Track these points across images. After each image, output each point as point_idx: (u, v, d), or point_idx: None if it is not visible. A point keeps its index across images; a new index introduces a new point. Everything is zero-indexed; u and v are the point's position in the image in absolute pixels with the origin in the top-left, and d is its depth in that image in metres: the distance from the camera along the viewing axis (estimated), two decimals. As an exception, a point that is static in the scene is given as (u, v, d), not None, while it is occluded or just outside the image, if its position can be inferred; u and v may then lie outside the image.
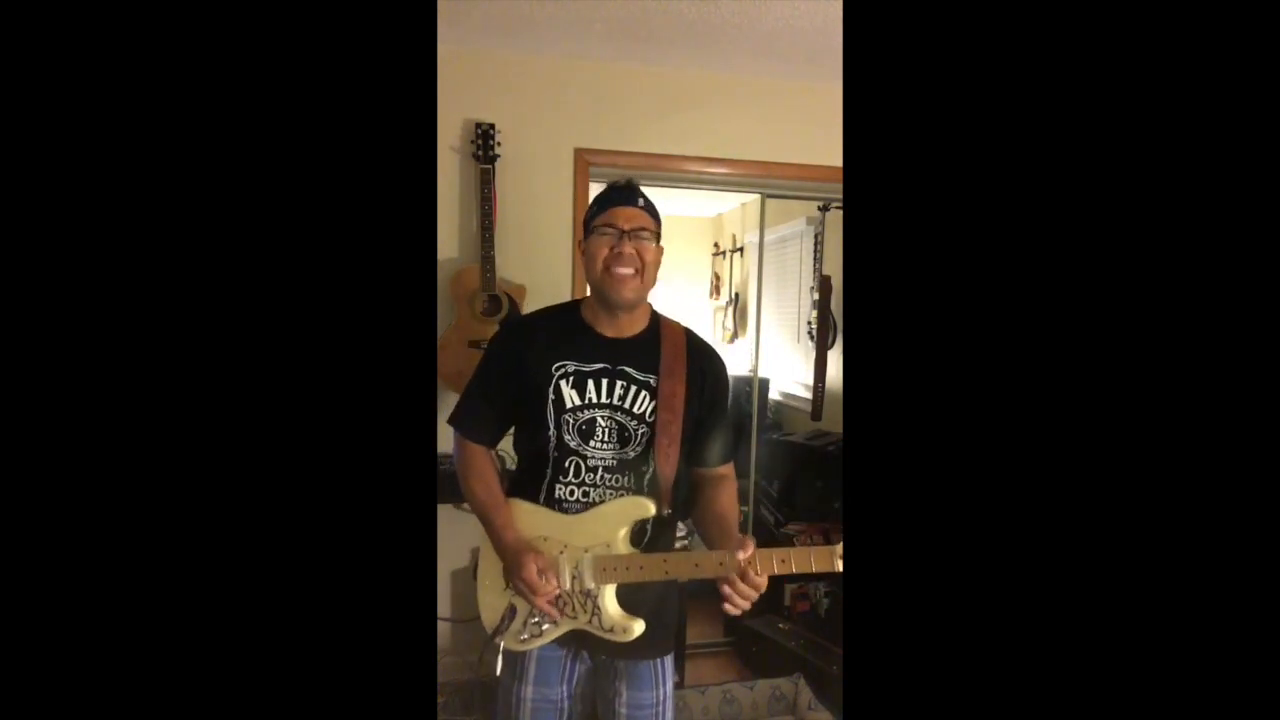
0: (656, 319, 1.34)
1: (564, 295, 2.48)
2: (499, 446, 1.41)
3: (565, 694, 1.35)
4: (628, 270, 1.22)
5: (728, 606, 1.13)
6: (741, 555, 1.09)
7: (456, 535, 2.49)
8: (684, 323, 1.40)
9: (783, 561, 1.09)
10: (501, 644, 1.29)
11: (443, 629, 2.48)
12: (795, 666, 2.45)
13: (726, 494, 1.33)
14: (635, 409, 1.26)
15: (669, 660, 1.37)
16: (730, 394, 1.39)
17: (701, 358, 1.33)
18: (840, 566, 1.05)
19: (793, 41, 2.21)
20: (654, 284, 1.27)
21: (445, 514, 2.44)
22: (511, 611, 1.29)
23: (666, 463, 1.25)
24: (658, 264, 1.27)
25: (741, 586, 1.10)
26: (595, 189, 2.55)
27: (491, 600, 1.33)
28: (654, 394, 1.26)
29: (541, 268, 2.46)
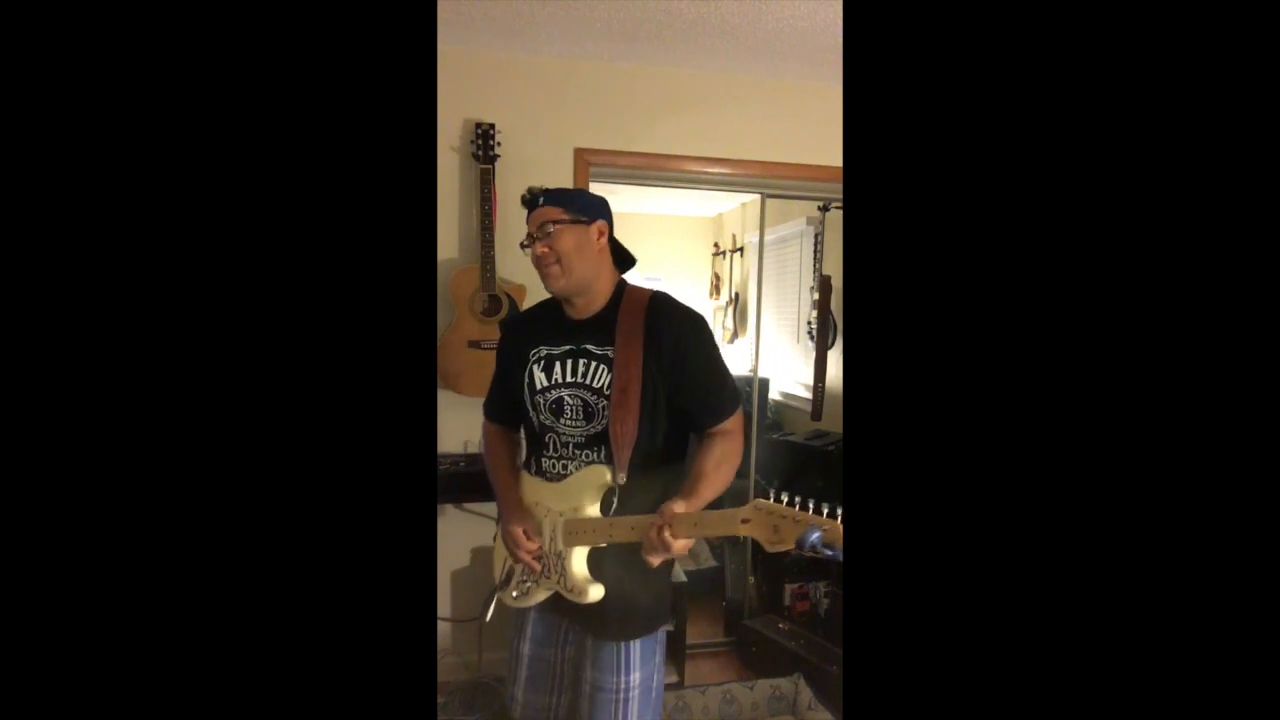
0: (620, 293, 1.37)
1: (564, 295, 2.47)
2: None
3: (561, 657, 1.43)
4: (547, 265, 1.31)
5: (644, 554, 1.19)
6: (657, 521, 1.16)
7: (456, 535, 2.49)
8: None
9: (695, 525, 1.17)
10: (496, 596, 1.44)
11: (443, 629, 2.48)
12: (795, 666, 2.45)
13: (710, 454, 1.29)
14: (595, 384, 1.31)
15: (636, 647, 1.36)
16: (707, 347, 1.34)
17: (661, 318, 1.31)
18: (742, 531, 1.11)
19: (793, 41, 2.22)
20: (589, 267, 1.32)
21: (445, 514, 2.45)
22: (510, 570, 1.43)
23: (622, 431, 1.27)
24: (584, 245, 1.32)
25: (653, 537, 1.16)
26: (595, 189, 2.57)
27: (499, 560, 1.49)
28: (612, 365, 1.30)
29: (541, 268, 2.46)
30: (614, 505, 1.31)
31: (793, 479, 3.15)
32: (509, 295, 2.35)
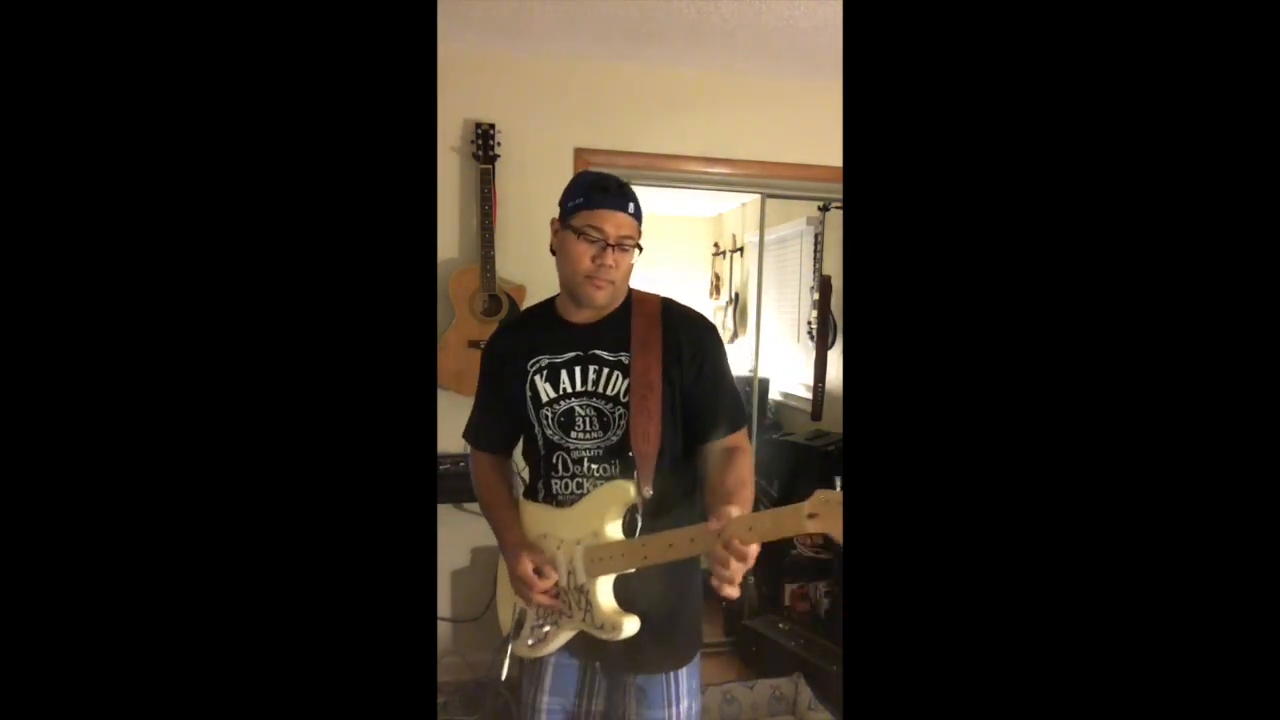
0: (629, 296, 1.28)
1: (564, 295, 2.48)
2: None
3: (586, 709, 1.29)
4: (604, 279, 1.18)
5: (717, 584, 1.01)
6: (714, 525, 1.00)
7: (456, 535, 2.49)
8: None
9: (750, 529, 0.99)
10: (510, 648, 1.27)
11: (443, 629, 2.48)
12: (795, 666, 2.45)
13: (733, 468, 1.19)
14: (609, 391, 1.21)
15: (684, 675, 1.28)
16: (723, 356, 1.29)
17: (679, 324, 1.25)
18: (810, 527, 0.93)
19: (793, 41, 2.22)
20: (628, 279, 1.25)
21: (445, 514, 2.45)
22: (521, 617, 1.28)
23: (644, 441, 1.17)
24: (631, 259, 1.23)
25: (722, 554, 0.99)
26: (595, 189, 2.57)
27: (506, 605, 1.33)
28: (627, 372, 1.20)
29: (541, 268, 2.43)
30: (638, 525, 1.18)
31: (793, 479, 3.15)
32: (509, 295, 2.35)
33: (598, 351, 1.23)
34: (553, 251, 1.27)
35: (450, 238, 2.41)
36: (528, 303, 2.37)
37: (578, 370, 1.23)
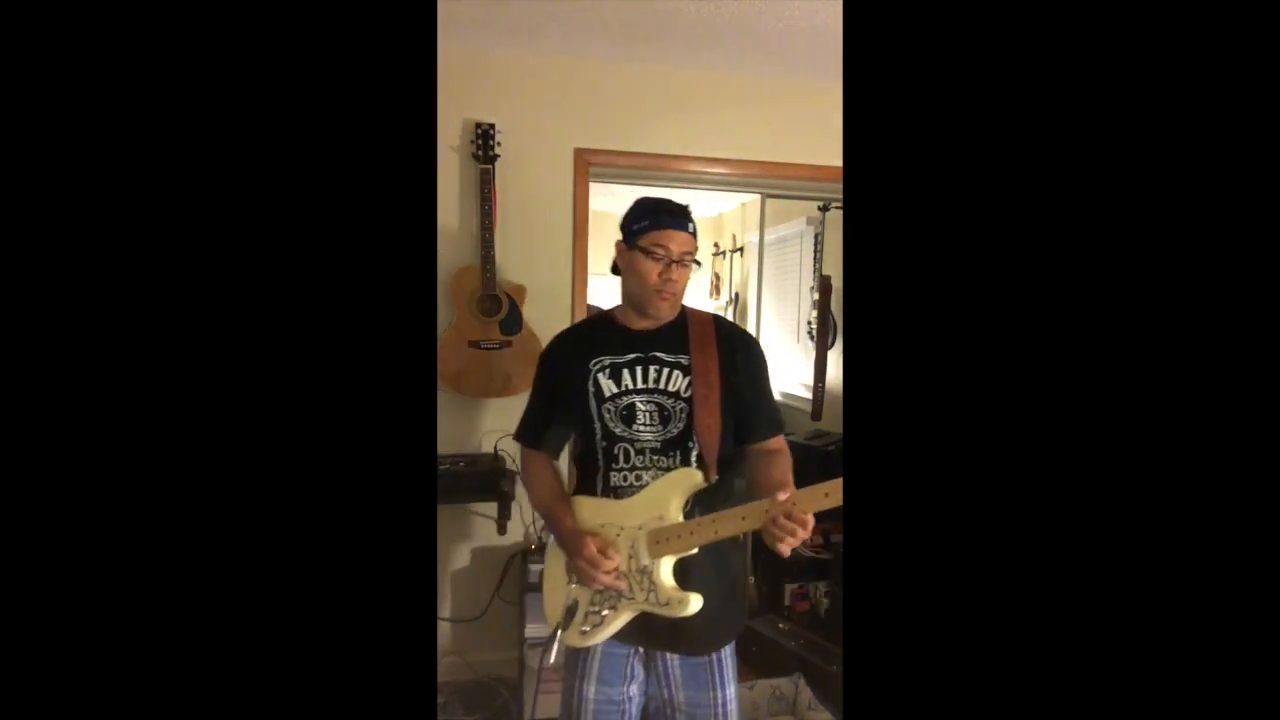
0: (685, 309, 1.40)
1: (564, 295, 2.48)
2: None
3: (629, 695, 1.37)
4: (669, 293, 1.31)
5: (772, 544, 1.14)
6: (782, 496, 1.13)
7: (456, 535, 2.50)
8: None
9: (827, 495, 1.11)
10: (559, 636, 1.31)
11: (443, 629, 2.48)
12: (795, 666, 2.45)
13: (778, 466, 1.33)
14: (670, 388, 1.33)
15: (727, 660, 1.38)
16: (766, 368, 1.42)
17: (731, 335, 1.39)
18: None
19: (793, 41, 2.22)
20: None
21: (445, 514, 2.45)
22: (573, 605, 1.33)
23: (708, 432, 1.30)
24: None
25: (785, 523, 1.12)
26: (596, 189, 2.57)
27: (555, 596, 1.38)
28: (687, 371, 1.32)
29: (541, 268, 2.47)
30: (694, 510, 1.28)
31: (792, 479, 3.14)
32: (509, 295, 2.35)
33: (658, 353, 1.35)
34: (615, 270, 1.40)
35: (450, 238, 2.41)
36: (528, 302, 2.37)
37: (639, 369, 1.34)
